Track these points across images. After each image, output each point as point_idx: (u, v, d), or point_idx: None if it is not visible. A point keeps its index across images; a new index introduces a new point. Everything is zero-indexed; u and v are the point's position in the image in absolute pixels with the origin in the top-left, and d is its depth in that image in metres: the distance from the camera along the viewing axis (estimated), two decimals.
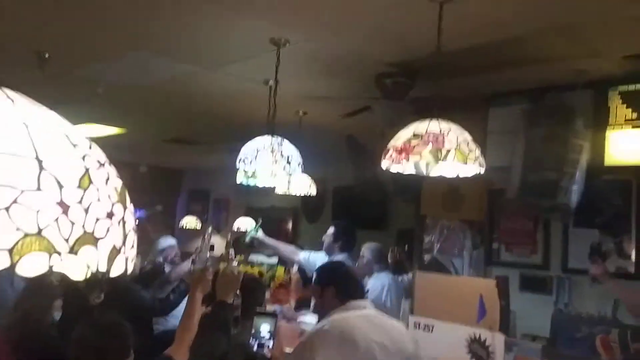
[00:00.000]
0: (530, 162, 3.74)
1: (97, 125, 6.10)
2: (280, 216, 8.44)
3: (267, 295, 3.86)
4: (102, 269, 0.69)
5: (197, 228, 8.50)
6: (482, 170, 2.55)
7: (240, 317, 2.49)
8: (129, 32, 3.32)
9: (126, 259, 0.75)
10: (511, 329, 2.82)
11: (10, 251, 0.60)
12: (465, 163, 2.46)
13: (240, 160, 3.27)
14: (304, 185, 4.97)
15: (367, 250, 4.50)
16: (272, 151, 3.20)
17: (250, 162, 3.20)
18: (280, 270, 3.81)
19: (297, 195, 7.80)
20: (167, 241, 5.09)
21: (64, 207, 0.66)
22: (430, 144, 2.46)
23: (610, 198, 3.64)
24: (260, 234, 4.86)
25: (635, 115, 3.54)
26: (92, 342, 1.95)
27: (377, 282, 4.28)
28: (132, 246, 0.79)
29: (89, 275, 0.66)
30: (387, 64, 3.59)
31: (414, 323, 2.97)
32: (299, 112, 4.95)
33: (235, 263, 2.53)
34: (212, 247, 2.83)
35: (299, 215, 8.35)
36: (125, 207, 0.79)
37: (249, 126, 3.77)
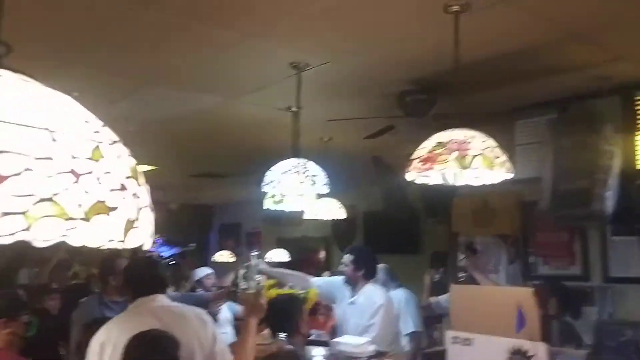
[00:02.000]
0: (560, 172, 3.67)
1: None
2: (312, 246, 8.42)
3: None
4: (118, 238, 0.70)
5: (230, 261, 8.52)
6: (510, 176, 2.50)
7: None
8: (153, 68, 3.41)
9: (142, 233, 0.76)
10: (554, 338, 2.72)
11: (25, 214, 0.62)
12: (492, 169, 2.41)
13: (266, 184, 3.28)
14: (332, 209, 4.95)
15: (380, 271, 4.37)
16: (297, 172, 3.20)
17: (276, 185, 3.21)
18: (313, 292, 3.76)
19: (327, 221, 7.83)
20: (204, 270, 5.17)
21: (76, 176, 0.67)
22: (456, 151, 2.43)
23: None
24: (263, 265, 4.43)
25: None
26: (139, 353, 1.95)
27: (394, 298, 4.21)
28: (149, 222, 0.80)
29: (106, 245, 0.67)
30: (408, 82, 3.60)
31: (452, 338, 2.89)
32: (324, 138, 4.98)
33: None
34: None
35: (330, 244, 8.32)
36: (138, 184, 0.80)
37: (276, 155, 3.80)
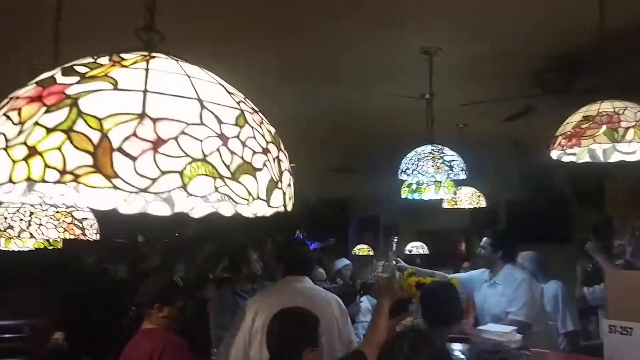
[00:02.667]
0: None
1: None
2: (452, 237, 8.25)
3: None
4: (262, 197, 0.75)
5: (370, 254, 8.62)
6: None
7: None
8: (288, 65, 3.55)
9: (284, 195, 0.82)
10: None
11: (181, 173, 0.70)
12: None
13: (401, 171, 3.28)
14: (472, 198, 4.82)
15: (526, 260, 4.20)
16: (433, 158, 3.16)
17: (412, 172, 3.19)
18: (455, 280, 3.68)
19: (466, 212, 7.63)
20: (343, 261, 5.29)
21: (224, 139, 0.75)
22: (604, 125, 2.26)
23: None
24: (402, 263, 4.08)
25: None
26: (282, 326, 2.09)
27: (547, 293, 4.02)
28: (289, 185, 0.85)
29: (251, 202, 0.73)
30: (545, 59, 3.40)
31: (609, 327, 2.69)
32: (459, 124, 4.87)
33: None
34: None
35: (470, 235, 8.09)
36: (279, 149, 0.85)
37: (410, 146, 3.78)
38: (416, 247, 7.40)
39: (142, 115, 0.74)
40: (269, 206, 0.80)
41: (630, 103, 2.32)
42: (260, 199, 0.77)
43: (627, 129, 2.22)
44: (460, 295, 4.07)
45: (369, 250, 8.77)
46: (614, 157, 2.53)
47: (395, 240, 2.86)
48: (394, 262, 2.70)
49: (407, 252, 6.82)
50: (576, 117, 2.37)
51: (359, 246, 8.91)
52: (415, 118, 3.97)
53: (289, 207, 0.84)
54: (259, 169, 0.78)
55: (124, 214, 0.94)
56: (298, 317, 2.14)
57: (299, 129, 5.20)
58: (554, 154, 2.48)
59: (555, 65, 3.43)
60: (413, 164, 3.23)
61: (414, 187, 4.04)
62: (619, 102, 2.32)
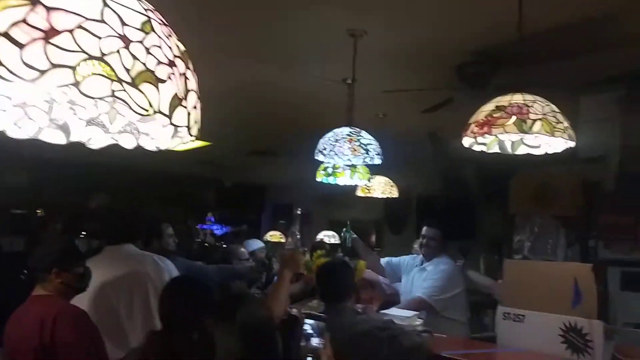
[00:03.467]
0: (628, 152, 3.51)
1: None
2: (364, 228, 8.37)
3: None
4: (164, 111, 0.70)
5: (282, 241, 8.59)
6: (572, 144, 2.39)
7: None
8: (207, 35, 3.43)
9: (189, 115, 0.76)
10: (611, 318, 2.60)
11: (74, 69, 0.63)
12: (553, 135, 2.31)
13: (318, 151, 3.27)
14: (385, 187, 4.90)
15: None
16: (351, 140, 3.17)
17: (329, 152, 3.19)
18: (362, 264, 3.74)
19: (379, 204, 7.78)
20: (256, 243, 5.22)
21: (126, 42, 0.69)
22: (514, 116, 2.34)
23: None
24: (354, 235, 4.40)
25: None
26: None
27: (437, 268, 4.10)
28: (195, 107, 0.79)
29: (152, 113, 0.67)
30: (468, 53, 3.50)
31: (504, 314, 2.81)
32: (379, 114, 4.93)
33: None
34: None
35: (382, 227, 8.26)
36: (187, 68, 0.80)
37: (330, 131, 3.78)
38: (327, 236, 7.44)
39: (34, 2, 0.67)
40: (172, 124, 0.74)
41: (540, 97, 2.43)
42: (162, 113, 0.71)
43: (535, 121, 2.31)
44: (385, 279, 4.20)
45: (280, 237, 8.74)
46: (521, 150, 2.63)
47: (300, 212, 2.88)
48: (298, 236, 2.71)
49: (318, 240, 6.83)
50: (489, 107, 2.45)
51: (271, 232, 8.86)
52: (336, 103, 3.97)
53: (194, 132, 0.78)
54: (163, 81, 0.72)
55: (19, 182, 0.85)
56: (193, 285, 2.11)
57: (217, 106, 5.07)
58: (466, 142, 2.55)
59: (476, 59, 3.54)
60: (330, 144, 3.22)
61: (329, 170, 4.06)
62: (529, 95, 2.41)
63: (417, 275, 3.86)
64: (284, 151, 6.94)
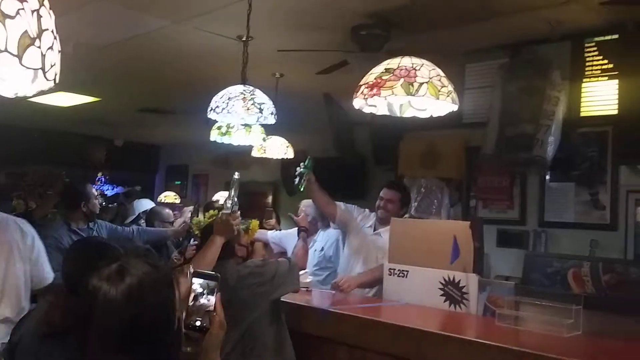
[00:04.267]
0: (507, 117, 3.72)
1: (69, 93, 5.97)
2: (260, 190, 8.38)
3: None
4: (12, 50, 0.63)
5: (176, 202, 8.40)
6: (456, 107, 2.50)
7: None
8: None
9: (43, 57, 0.70)
10: (485, 272, 2.80)
11: None
12: (438, 98, 2.40)
13: (211, 109, 3.18)
14: (280, 148, 4.90)
15: (309, 208, 4.15)
16: (244, 99, 3.12)
17: (222, 111, 3.12)
18: (255, 223, 3.73)
19: (276, 166, 7.79)
20: (147, 203, 5.07)
21: None
22: (402, 79, 2.40)
23: (586, 150, 3.64)
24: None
25: (611, 66, 3.53)
26: None
27: (329, 239, 4.12)
28: (52, 48, 0.73)
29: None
30: (362, 15, 3.53)
31: (389, 270, 2.93)
32: (275, 74, 4.88)
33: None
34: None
35: (279, 189, 8.30)
36: (42, 5, 0.73)
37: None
38: (223, 197, 7.36)
39: None
40: (22, 64, 0.67)
41: (427, 61, 2.51)
42: (9, 52, 0.64)
43: (421, 84, 2.38)
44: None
45: (175, 198, 8.55)
46: (409, 113, 2.71)
47: (237, 177, 2.79)
48: (235, 201, 2.62)
49: (213, 200, 6.74)
50: (379, 69, 2.49)
51: (165, 193, 8.63)
52: (231, 61, 3.87)
53: (51, 76, 0.72)
54: (10, 17, 0.65)
55: None
56: (99, 246, 2.04)
57: (105, 59, 4.79)
58: (357, 103, 2.59)
59: (371, 23, 3.57)
60: (223, 102, 3.14)
61: (223, 130, 3.98)
62: (417, 59, 2.48)
63: (372, 239, 3.54)
64: (178, 109, 6.71)
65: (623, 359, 1.81)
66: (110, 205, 7.95)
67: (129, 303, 1.25)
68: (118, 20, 3.82)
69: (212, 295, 1.57)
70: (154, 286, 1.28)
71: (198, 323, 1.48)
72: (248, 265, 2.68)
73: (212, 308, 1.52)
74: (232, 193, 2.69)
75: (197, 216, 4.36)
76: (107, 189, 9.48)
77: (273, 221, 4.48)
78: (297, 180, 3.67)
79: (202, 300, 1.62)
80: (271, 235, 4.42)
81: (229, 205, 2.64)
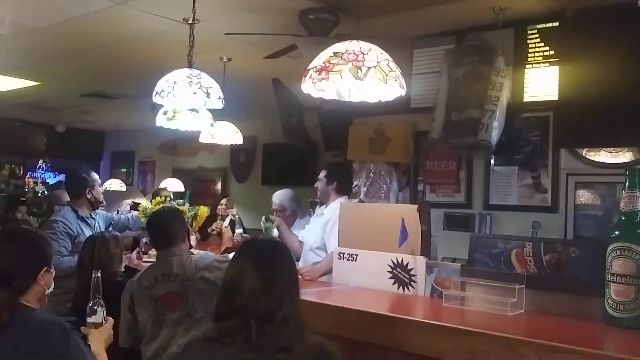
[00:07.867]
0: (453, 102, 3.78)
1: (5, 77, 5.72)
2: (209, 177, 8.28)
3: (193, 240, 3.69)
4: None
5: (123, 190, 8.21)
6: (403, 92, 2.51)
7: None
8: None
9: None
10: (433, 254, 2.84)
11: None
12: (386, 82, 2.41)
13: (156, 93, 3.11)
14: (228, 134, 4.83)
15: (286, 200, 4.26)
16: (190, 83, 3.05)
17: (168, 95, 3.05)
18: (203, 209, 3.69)
19: (225, 153, 7.70)
20: None
21: None
22: (350, 63, 2.40)
23: (528, 134, 3.73)
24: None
25: (552, 52, 3.63)
26: None
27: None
28: None
29: None
30: None
31: (339, 254, 2.94)
32: (223, 58, 4.80)
33: None
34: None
35: (228, 175, 8.22)
36: None
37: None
38: (170, 184, 7.25)
39: None
40: None
41: (376, 46, 2.51)
42: None
43: (369, 68, 2.38)
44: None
45: (120, 186, 8.35)
46: (357, 97, 2.72)
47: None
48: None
49: (160, 188, 6.62)
50: (327, 53, 2.48)
51: (110, 181, 8.42)
52: (177, 44, 3.78)
53: None
54: None
55: None
56: (30, 235, 2.00)
57: (45, 41, 4.60)
58: (305, 87, 2.56)
59: (319, 7, 3.55)
60: (169, 86, 3.08)
61: (170, 114, 3.90)
62: (365, 44, 2.48)
63: (316, 220, 3.75)
64: (123, 94, 6.52)
65: (562, 334, 1.87)
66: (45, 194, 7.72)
67: None
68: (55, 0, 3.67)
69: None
70: None
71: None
72: (205, 257, 2.67)
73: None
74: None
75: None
76: (49, 177, 9.16)
77: (234, 210, 4.41)
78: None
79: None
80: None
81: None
